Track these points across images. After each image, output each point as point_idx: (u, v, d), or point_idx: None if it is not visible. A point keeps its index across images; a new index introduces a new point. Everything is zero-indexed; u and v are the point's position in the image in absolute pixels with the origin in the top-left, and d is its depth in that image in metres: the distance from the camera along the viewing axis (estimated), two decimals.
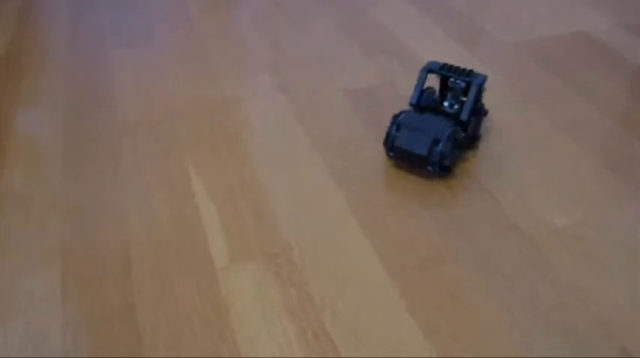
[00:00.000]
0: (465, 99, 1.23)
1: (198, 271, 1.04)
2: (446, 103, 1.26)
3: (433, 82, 1.31)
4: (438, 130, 1.16)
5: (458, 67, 1.23)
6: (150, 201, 1.19)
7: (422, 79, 1.25)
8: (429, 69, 1.25)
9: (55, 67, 1.68)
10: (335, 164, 1.25)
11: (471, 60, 1.56)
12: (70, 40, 1.83)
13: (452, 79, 1.23)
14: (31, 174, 1.29)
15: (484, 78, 1.21)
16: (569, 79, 1.47)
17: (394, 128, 1.20)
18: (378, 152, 1.27)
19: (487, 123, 1.33)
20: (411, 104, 1.26)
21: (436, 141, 1.16)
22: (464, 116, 1.20)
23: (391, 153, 1.21)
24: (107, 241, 1.12)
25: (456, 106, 1.24)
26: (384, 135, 1.31)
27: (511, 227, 1.08)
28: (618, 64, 1.52)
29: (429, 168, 1.18)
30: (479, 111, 1.24)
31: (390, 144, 1.21)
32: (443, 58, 1.56)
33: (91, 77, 1.62)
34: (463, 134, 1.21)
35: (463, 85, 1.22)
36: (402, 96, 1.43)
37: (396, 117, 1.22)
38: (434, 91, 1.27)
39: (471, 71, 1.22)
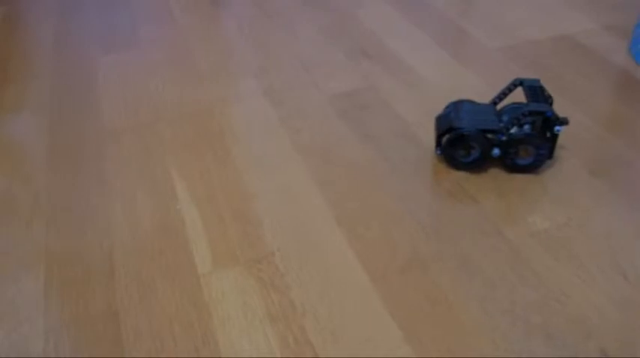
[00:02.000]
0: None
1: (181, 276, 1.04)
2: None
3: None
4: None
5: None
6: (133, 206, 1.20)
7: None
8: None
9: (40, 72, 1.68)
10: (319, 168, 1.25)
11: (454, 64, 1.57)
12: (56, 44, 1.83)
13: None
14: (15, 178, 1.29)
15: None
16: (554, 82, 1.47)
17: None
18: (361, 155, 1.28)
19: None
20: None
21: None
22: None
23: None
24: (91, 246, 1.12)
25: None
26: (367, 138, 1.31)
27: (493, 230, 1.09)
28: (601, 67, 1.53)
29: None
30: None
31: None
32: (427, 63, 1.57)
33: (77, 82, 1.63)
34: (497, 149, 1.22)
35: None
36: (385, 100, 1.44)
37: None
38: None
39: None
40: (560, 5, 1.82)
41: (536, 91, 1.23)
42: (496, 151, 1.20)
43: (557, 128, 1.18)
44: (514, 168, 1.22)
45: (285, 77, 1.56)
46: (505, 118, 1.22)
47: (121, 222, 1.16)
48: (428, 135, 1.32)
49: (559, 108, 1.38)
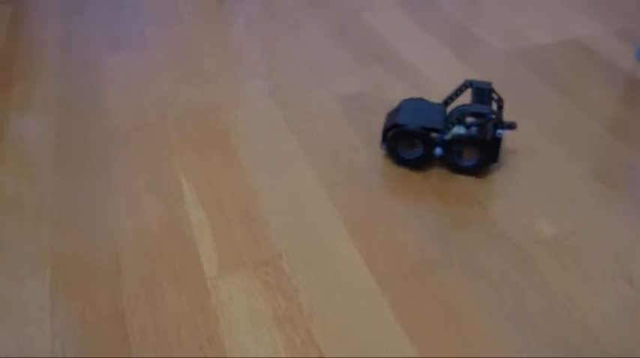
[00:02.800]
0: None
1: (187, 279, 1.04)
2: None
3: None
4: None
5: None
6: (140, 207, 1.20)
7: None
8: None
9: (47, 72, 1.69)
10: (325, 170, 1.25)
11: (461, 67, 1.57)
12: (62, 44, 1.83)
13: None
14: (22, 178, 1.30)
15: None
16: (561, 87, 1.47)
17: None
18: (368, 158, 1.28)
19: None
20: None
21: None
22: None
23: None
24: (97, 247, 1.12)
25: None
26: (374, 141, 1.31)
27: (500, 235, 1.09)
28: (609, 71, 1.52)
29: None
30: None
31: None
32: (434, 65, 1.57)
33: (83, 82, 1.63)
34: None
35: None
36: (391, 102, 1.44)
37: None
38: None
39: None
40: (568, 9, 1.82)
41: (482, 93, 1.24)
42: (438, 150, 1.22)
43: (499, 131, 1.18)
44: (457, 169, 1.23)
45: (291, 78, 1.56)
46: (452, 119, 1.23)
47: (128, 224, 1.16)
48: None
49: (566, 113, 1.38)
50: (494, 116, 1.18)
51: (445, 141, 1.20)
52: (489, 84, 1.25)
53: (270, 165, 1.28)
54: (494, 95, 1.24)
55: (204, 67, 1.65)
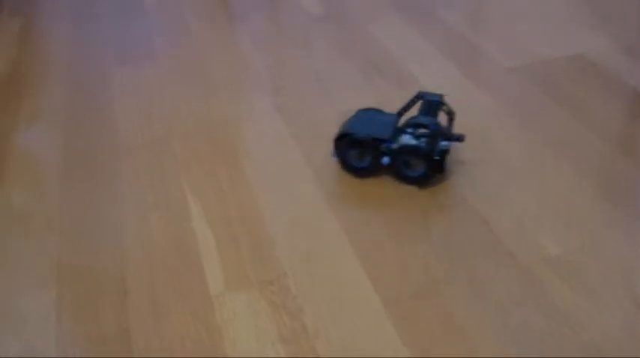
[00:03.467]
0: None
1: (193, 296, 1.05)
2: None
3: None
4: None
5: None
6: (147, 223, 1.20)
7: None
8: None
9: (55, 85, 1.70)
10: (332, 188, 1.25)
11: (465, 82, 1.57)
12: (71, 57, 1.84)
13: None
14: (30, 191, 1.30)
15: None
16: (566, 103, 1.47)
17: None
18: (376, 176, 1.28)
19: (483, 146, 1.33)
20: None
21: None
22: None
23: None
24: (104, 262, 1.12)
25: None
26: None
27: (506, 254, 1.09)
28: (616, 87, 1.52)
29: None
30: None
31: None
32: (440, 81, 1.57)
33: (91, 95, 1.64)
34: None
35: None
36: None
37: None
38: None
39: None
40: (574, 23, 1.82)
41: (430, 105, 1.28)
42: (385, 159, 1.24)
43: (443, 143, 1.21)
44: (403, 178, 1.26)
45: (299, 94, 1.56)
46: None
47: (134, 240, 1.17)
48: None
49: (572, 129, 1.38)
50: (437, 127, 1.21)
51: (392, 151, 1.22)
52: (441, 96, 1.29)
53: (277, 181, 1.28)
54: (444, 107, 1.28)
55: (212, 81, 1.65)
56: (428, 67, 1.65)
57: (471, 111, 1.44)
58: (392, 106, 1.47)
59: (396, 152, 1.22)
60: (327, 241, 1.13)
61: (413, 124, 1.23)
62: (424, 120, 1.23)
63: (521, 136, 1.36)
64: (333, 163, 1.32)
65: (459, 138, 1.26)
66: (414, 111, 1.37)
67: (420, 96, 1.30)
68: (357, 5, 2.01)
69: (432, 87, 1.56)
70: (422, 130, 1.22)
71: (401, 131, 1.23)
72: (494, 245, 1.11)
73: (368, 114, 1.31)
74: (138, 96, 1.62)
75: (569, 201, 1.19)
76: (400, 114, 1.31)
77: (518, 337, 0.95)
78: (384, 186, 1.25)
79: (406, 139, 1.22)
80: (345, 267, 1.08)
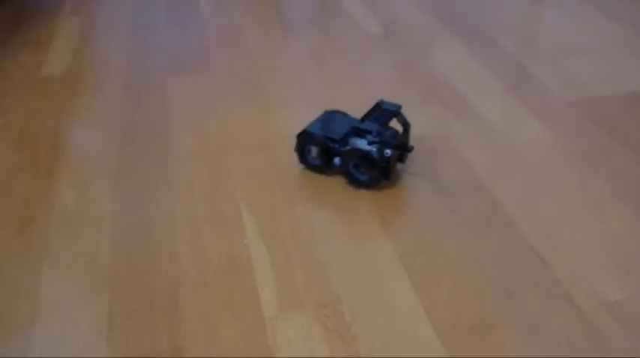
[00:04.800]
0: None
1: (246, 316, 1.04)
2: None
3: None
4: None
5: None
6: (200, 237, 1.20)
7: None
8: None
9: (111, 89, 1.71)
10: (388, 215, 1.24)
11: (524, 114, 1.55)
12: (128, 60, 1.85)
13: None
14: (81, 193, 1.31)
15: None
16: (625, 141, 1.45)
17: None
18: (431, 205, 1.26)
19: (539, 180, 1.32)
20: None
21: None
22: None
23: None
24: (156, 275, 1.12)
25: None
26: (437, 187, 1.30)
27: (563, 295, 1.07)
28: None
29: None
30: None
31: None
32: (497, 110, 1.56)
33: (145, 101, 1.64)
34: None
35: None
36: (454, 148, 1.42)
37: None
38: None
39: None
40: (633, 60, 1.79)
41: (384, 114, 1.33)
42: (336, 160, 1.30)
43: (386, 151, 1.25)
44: (353, 181, 1.31)
45: (353, 113, 1.55)
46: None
47: (187, 254, 1.16)
48: (498, 189, 1.30)
49: (632, 168, 1.35)
50: (380, 134, 1.26)
51: (342, 152, 1.27)
52: (398, 107, 1.34)
53: (332, 203, 1.27)
54: (400, 118, 1.32)
55: (267, 96, 1.65)
56: (486, 95, 1.64)
57: (528, 143, 1.43)
58: (450, 135, 1.46)
59: (346, 154, 1.27)
60: (383, 267, 1.12)
61: (359, 129, 1.30)
62: (369, 126, 1.29)
63: (578, 172, 1.34)
64: (388, 190, 1.31)
65: (407, 149, 1.31)
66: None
67: (380, 103, 1.35)
68: (415, 27, 2.00)
69: (490, 116, 1.54)
70: (371, 136, 1.27)
71: (356, 135, 1.30)
72: (551, 284, 1.09)
73: (332, 116, 1.38)
74: (192, 106, 1.62)
75: (628, 242, 1.17)
76: (362, 120, 1.34)
77: None
78: (442, 216, 1.24)
79: (359, 143, 1.28)
80: (400, 297, 1.07)
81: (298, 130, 1.44)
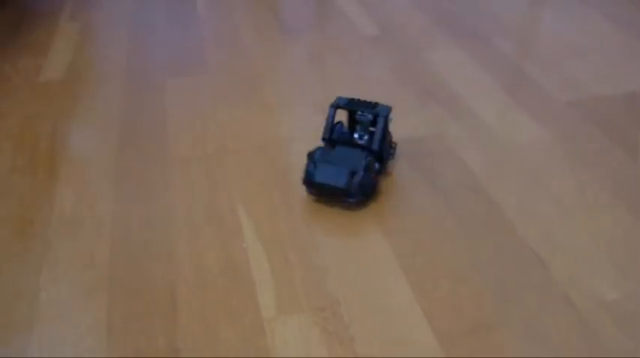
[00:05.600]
0: (373, 129, 1.30)
1: (244, 319, 1.04)
2: (356, 135, 1.32)
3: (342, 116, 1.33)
4: (354, 163, 1.25)
5: (364, 101, 1.31)
6: (198, 240, 1.20)
7: (332, 115, 1.32)
8: (338, 105, 1.32)
9: (110, 91, 1.71)
10: (387, 216, 1.25)
11: (522, 115, 1.55)
12: (127, 62, 1.86)
13: (359, 113, 1.30)
14: (81, 195, 1.32)
15: (389, 109, 1.30)
16: (623, 141, 1.45)
17: (312, 165, 1.26)
18: (429, 206, 1.27)
19: (536, 181, 1.32)
20: (323, 139, 1.33)
21: (353, 174, 1.23)
22: (375, 146, 1.28)
23: (310, 189, 1.27)
24: (154, 277, 1.12)
25: (366, 137, 1.31)
26: (434, 189, 1.30)
27: (561, 296, 1.07)
28: None
29: (351, 199, 1.24)
30: (387, 139, 1.32)
31: (308, 181, 1.26)
32: (494, 111, 1.56)
33: (145, 103, 1.65)
34: (377, 163, 1.30)
35: (370, 117, 1.29)
36: (451, 149, 1.43)
37: (311, 154, 1.28)
38: (342, 125, 1.35)
39: (376, 104, 1.30)
40: (630, 60, 1.80)
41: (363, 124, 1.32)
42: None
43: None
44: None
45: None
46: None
47: (185, 256, 1.17)
48: (496, 190, 1.30)
49: (629, 169, 1.35)
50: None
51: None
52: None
53: (330, 204, 1.28)
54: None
55: (266, 98, 1.65)
56: (482, 96, 1.64)
57: (526, 144, 1.43)
58: (447, 136, 1.47)
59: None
60: (381, 270, 1.13)
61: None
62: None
63: (577, 174, 1.34)
64: (385, 191, 1.31)
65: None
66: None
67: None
68: (412, 28, 2.00)
69: (487, 118, 1.54)
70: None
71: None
72: (549, 285, 1.09)
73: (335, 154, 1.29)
74: (191, 107, 1.62)
75: (625, 243, 1.17)
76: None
77: None
78: (440, 218, 1.24)
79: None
80: (398, 299, 1.07)
81: (298, 134, 1.45)
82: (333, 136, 1.33)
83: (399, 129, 1.50)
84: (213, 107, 1.62)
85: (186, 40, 2.00)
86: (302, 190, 1.32)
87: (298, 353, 0.98)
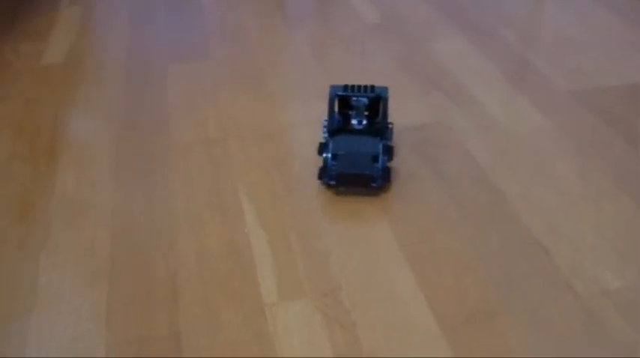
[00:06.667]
0: (367, 113, 1.31)
1: (245, 304, 1.04)
2: (354, 121, 1.32)
3: None
4: (372, 148, 1.26)
5: (359, 86, 1.30)
6: (200, 225, 1.19)
7: (333, 105, 1.31)
8: (337, 94, 1.30)
9: (111, 77, 1.70)
10: (391, 204, 1.24)
11: (525, 105, 1.55)
12: (128, 49, 1.85)
13: (354, 98, 1.29)
14: (82, 181, 1.31)
15: (387, 88, 1.29)
16: (626, 131, 1.44)
17: (329, 159, 1.26)
18: (433, 195, 1.26)
19: (539, 169, 1.31)
20: (328, 132, 1.31)
21: (374, 159, 1.24)
22: (386, 130, 1.30)
23: (331, 182, 1.25)
24: (155, 263, 1.12)
25: (364, 122, 1.31)
26: (439, 178, 1.30)
27: (564, 284, 1.06)
28: None
29: (374, 184, 1.24)
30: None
31: (330, 174, 1.25)
32: (498, 101, 1.55)
33: (146, 89, 1.64)
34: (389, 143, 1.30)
35: (365, 101, 1.29)
36: (456, 139, 1.42)
37: (324, 148, 1.29)
38: (336, 114, 1.33)
39: (372, 87, 1.29)
40: (633, 51, 1.79)
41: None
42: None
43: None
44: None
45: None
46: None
47: (187, 241, 1.16)
48: (500, 179, 1.30)
49: (632, 159, 1.34)
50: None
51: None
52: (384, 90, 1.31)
53: (333, 191, 1.27)
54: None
55: (268, 86, 1.65)
56: (488, 86, 1.63)
57: (530, 134, 1.42)
58: (451, 126, 1.46)
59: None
60: (383, 256, 1.12)
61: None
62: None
63: (579, 163, 1.34)
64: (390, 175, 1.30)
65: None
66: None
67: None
68: (416, 18, 1.99)
69: (491, 107, 1.53)
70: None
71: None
72: (552, 273, 1.08)
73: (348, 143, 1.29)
74: (192, 94, 1.61)
75: (628, 233, 1.17)
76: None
77: None
78: (443, 207, 1.23)
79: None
80: (400, 285, 1.06)
81: (300, 121, 1.44)
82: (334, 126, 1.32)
83: (403, 118, 1.49)
84: (215, 94, 1.61)
85: (188, 26, 1.99)
86: (305, 177, 1.31)
87: (300, 337, 0.98)
